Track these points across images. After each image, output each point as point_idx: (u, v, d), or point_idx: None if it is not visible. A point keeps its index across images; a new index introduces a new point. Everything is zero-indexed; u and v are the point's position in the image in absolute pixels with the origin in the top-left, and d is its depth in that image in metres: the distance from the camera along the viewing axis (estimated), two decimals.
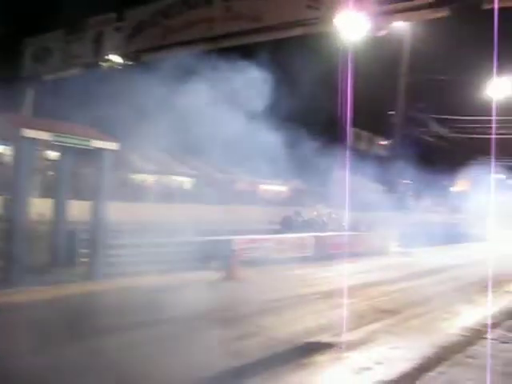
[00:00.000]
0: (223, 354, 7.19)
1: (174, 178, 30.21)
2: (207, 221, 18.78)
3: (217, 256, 14.71)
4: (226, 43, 12.29)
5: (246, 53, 14.68)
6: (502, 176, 47.76)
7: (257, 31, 11.20)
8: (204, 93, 14.43)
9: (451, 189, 47.53)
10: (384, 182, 34.60)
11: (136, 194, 24.60)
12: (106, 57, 15.92)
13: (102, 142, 12.50)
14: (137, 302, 10.15)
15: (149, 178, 28.47)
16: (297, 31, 10.85)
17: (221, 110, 15.13)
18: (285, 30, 10.83)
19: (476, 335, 9.10)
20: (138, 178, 27.72)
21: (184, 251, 14.30)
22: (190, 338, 7.90)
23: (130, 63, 15.18)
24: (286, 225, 21.41)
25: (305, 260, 17.58)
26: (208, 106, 14.90)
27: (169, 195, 26.72)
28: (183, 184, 30.81)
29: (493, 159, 43.22)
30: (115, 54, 15.09)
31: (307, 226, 21.68)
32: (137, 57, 14.75)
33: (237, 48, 13.31)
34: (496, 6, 8.35)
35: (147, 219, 17.59)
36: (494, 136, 38.39)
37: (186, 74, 14.68)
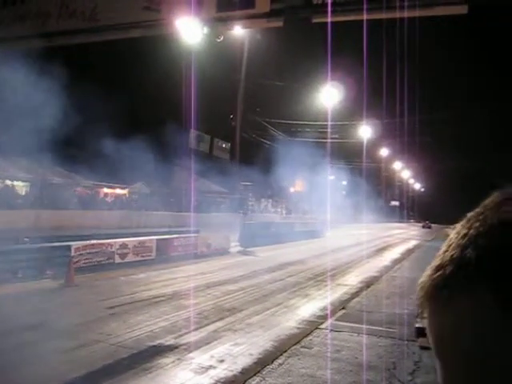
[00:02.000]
0: (62, 366, 6.89)
1: (8, 181, 28.13)
2: (45, 226, 17.78)
3: (54, 263, 13.99)
4: (61, 41, 11.62)
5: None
6: (333, 177, 51.65)
7: (93, 31, 10.75)
8: (34, 92, 13.69)
9: (290, 189, 50.03)
10: (225, 183, 35.45)
11: None
12: None
13: None
14: None
15: None
16: (135, 33, 10.60)
17: (57, 113, 14.46)
18: (122, 31, 10.51)
19: (311, 326, 9.75)
20: None
21: (17, 259, 13.36)
22: (25, 352, 7.41)
23: None
24: None
25: (148, 263, 17.41)
26: (41, 107, 14.15)
27: (2, 200, 24.80)
28: (18, 188, 28.86)
29: (328, 162, 46.56)
30: None
31: None
32: None
33: (75, 47, 12.78)
34: (329, 19, 8.91)
35: None
36: (329, 140, 41.38)
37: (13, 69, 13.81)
